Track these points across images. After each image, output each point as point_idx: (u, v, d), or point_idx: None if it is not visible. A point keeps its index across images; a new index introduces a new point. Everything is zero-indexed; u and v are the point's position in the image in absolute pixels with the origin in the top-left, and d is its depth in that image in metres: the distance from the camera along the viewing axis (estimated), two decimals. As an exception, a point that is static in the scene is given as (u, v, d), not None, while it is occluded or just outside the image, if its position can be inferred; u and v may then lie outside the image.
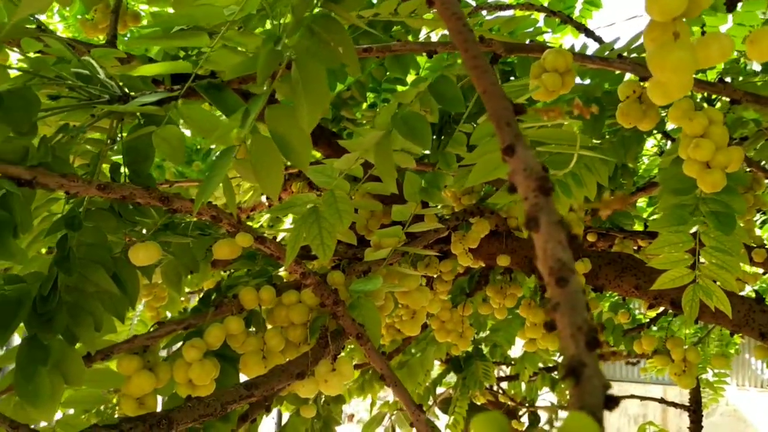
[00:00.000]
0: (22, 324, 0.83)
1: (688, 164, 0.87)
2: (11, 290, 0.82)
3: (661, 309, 1.69)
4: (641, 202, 2.25)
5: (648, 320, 1.69)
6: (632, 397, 2.69)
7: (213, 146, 2.25)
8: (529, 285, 1.55)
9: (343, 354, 0.88)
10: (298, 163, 0.67)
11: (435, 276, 1.36)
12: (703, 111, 0.86)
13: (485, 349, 2.58)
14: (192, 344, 0.89)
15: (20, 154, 0.71)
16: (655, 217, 1.49)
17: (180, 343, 0.99)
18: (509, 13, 1.64)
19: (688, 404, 2.30)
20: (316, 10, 0.64)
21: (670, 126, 1.58)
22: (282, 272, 1.13)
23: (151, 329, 0.95)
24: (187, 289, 1.61)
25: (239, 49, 0.84)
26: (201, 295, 1.34)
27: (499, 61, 1.50)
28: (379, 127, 0.82)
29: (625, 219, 1.92)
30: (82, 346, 0.90)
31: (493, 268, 1.49)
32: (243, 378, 1.05)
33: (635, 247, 1.77)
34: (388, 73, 1.75)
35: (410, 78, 1.88)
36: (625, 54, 0.94)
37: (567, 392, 2.96)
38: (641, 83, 0.91)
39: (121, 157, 0.96)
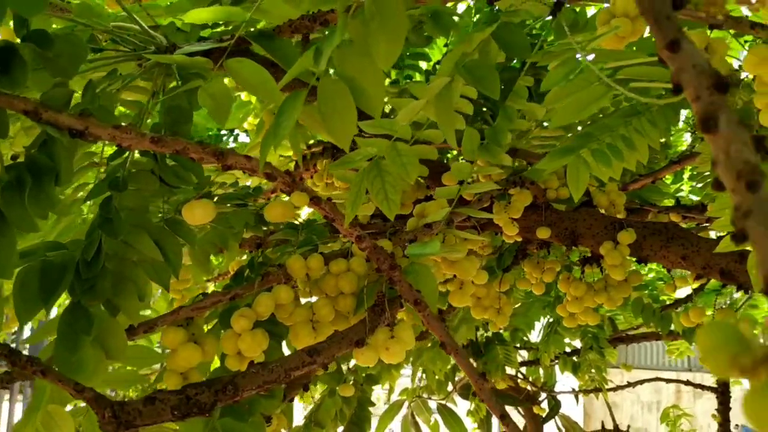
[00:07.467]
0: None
1: (765, 113, 0.83)
2: (54, 256, 0.77)
3: (696, 286, 1.64)
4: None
5: (685, 297, 1.64)
6: (658, 380, 2.66)
7: (224, 131, 2.20)
8: (572, 258, 1.51)
9: (402, 318, 0.84)
10: (370, 108, 0.62)
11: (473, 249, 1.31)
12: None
13: (505, 334, 2.55)
14: (241, 314, 0.84)
15: (64, 101, 0.66)
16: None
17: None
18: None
19: (715, 386, 2.27)
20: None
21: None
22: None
23: (197, 299, 0.90)
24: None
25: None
26: (232, 273, 1.29)
27: None
28: (441, 74, 0.77)
29: (655, 194, 1.86)
30: (124, 318, 0.85)
31: (530, 242, 1.44)
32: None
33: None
34: (410, 50, 1.71)
35: (435, 55, 1.84)
36: None
37: (587, 377, 2.88)
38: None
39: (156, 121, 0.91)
